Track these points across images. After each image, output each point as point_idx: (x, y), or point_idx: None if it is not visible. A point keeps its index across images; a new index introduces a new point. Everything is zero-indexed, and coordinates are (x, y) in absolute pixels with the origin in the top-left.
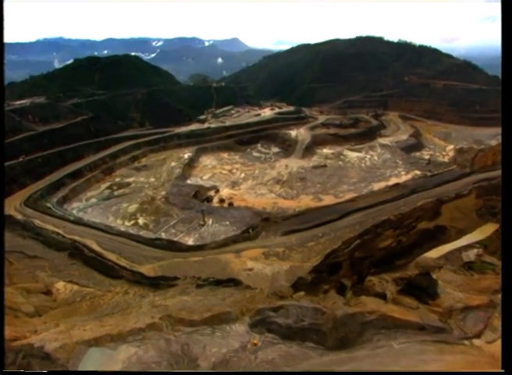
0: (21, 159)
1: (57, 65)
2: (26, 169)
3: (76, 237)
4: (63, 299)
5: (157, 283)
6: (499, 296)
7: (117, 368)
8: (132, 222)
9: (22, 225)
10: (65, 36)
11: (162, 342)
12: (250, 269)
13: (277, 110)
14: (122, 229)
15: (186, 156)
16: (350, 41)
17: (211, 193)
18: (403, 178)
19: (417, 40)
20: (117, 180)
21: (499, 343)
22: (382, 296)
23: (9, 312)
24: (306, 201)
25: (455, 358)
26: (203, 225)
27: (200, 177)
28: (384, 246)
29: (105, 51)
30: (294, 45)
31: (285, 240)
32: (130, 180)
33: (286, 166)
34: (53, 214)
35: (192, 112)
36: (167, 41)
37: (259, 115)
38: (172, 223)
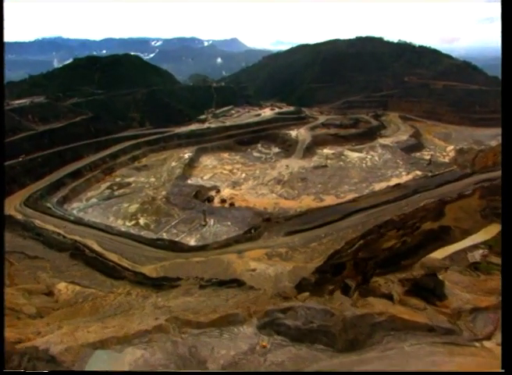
0: (21, 159)
1: (56, 64)
2: (26, 169)
3: (77, 238)
4: (65, 300)
5: (159, 284)
6: None
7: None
8: (133, 222)
9: (22, 225)
10: (64, 35)
11: (169, 344)
12: (253, 270)
13: (277, 110)
14: (123, 229)
15: (186, 156)
16: (350, 41)
17: (212, 193)
18: (404, 178)
19: (417, 40)
20: (117, 180)
21: None
22: (389, 297)
23: (11, 313)
24: (307, 202)
25: (466, 360)
26: (204, 225)
27: (201, 177)
28: (388, 246)
29: (104, 51)
30: (293, 45)
31: (287, 240)
32: (131, 179)
33: (287, 166)
34: (53, 214)
35: (192, 112)
36: (166, 41)
37: (259, 115)
38: (173, 224)
